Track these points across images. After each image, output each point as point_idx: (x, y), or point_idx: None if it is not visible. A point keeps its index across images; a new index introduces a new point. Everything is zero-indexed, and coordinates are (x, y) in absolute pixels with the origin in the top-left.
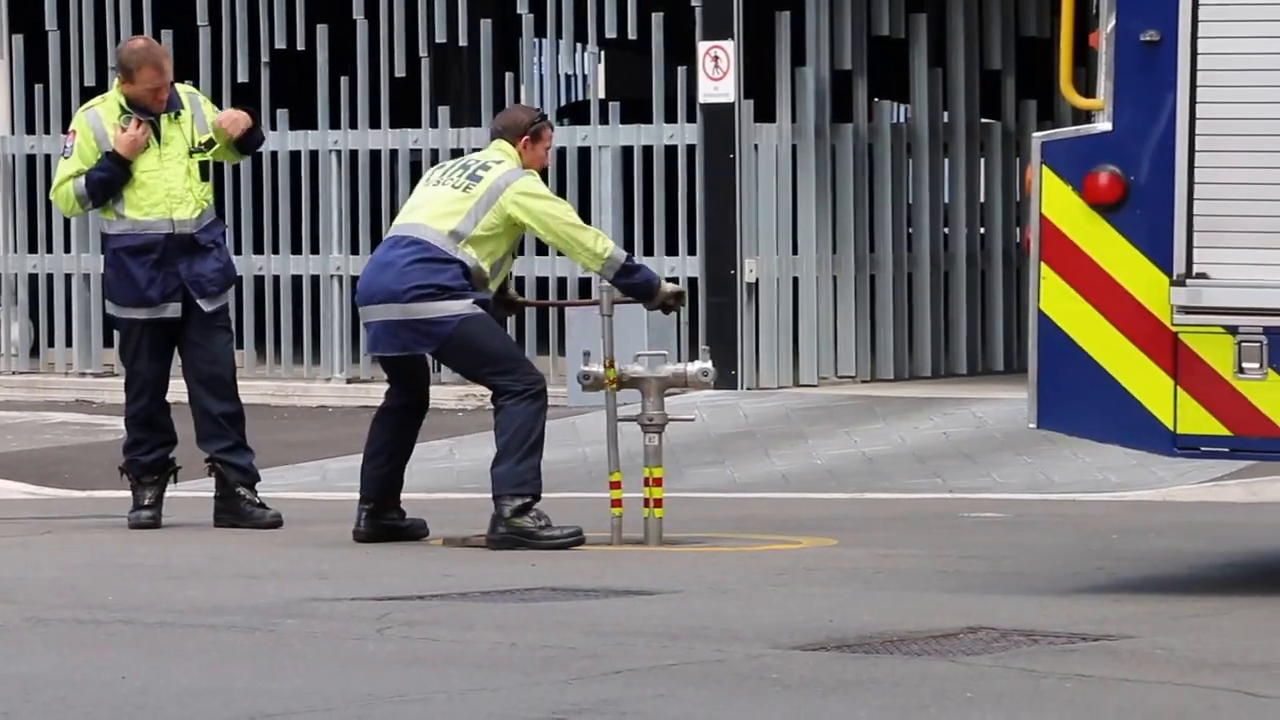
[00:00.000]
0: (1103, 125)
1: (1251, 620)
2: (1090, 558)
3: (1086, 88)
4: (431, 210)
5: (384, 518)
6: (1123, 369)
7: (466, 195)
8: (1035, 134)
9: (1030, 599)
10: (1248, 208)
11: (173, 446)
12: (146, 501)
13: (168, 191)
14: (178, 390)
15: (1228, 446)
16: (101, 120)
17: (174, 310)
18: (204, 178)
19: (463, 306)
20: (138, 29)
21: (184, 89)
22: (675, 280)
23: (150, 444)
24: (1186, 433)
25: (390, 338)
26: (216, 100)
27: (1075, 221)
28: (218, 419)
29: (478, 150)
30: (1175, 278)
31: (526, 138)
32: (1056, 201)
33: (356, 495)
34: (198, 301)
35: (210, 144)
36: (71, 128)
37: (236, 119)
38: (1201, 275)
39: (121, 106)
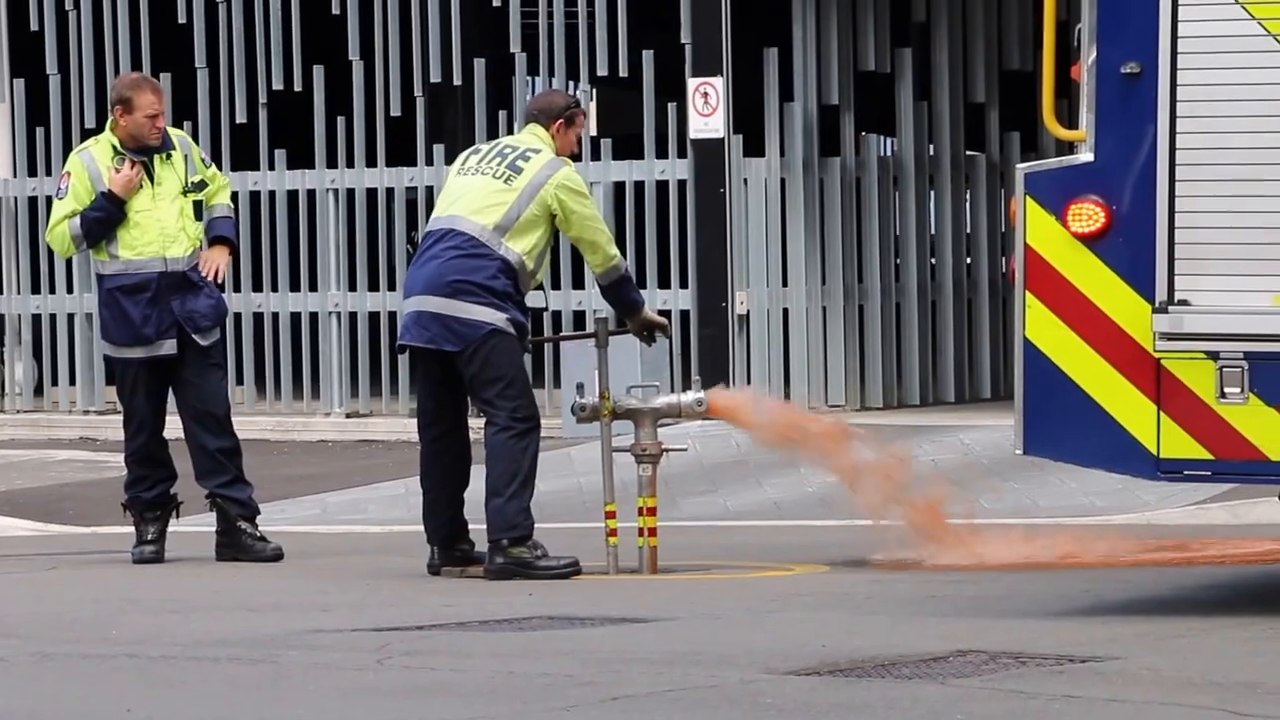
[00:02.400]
0: (1085, 156)
1: (1235, 640)
2: (1076, 580)
3: (1069, 119)
4: (471, 202)
5: (455, 550)
6: (1107, 395)
7: (508, 188)
8: (1019, 165)
9: (1018, 621)
10: (1228, 235)
11: (173, 482)
12: (149, 537)
13: (161, 231)
14: (175, 427)
15: (1210, 470)
16: (96, 161)
17: (170, 347)
18: (197, 217)
19: (498, 319)
20: (137, 71)
21: (175, 132)
22: (667, 314)
23: (151, 480)
24: (1170, 457)
25: (419, 329)
26: (216, 139)
27: (1059, 251)
28: (214, 454)
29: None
30: (1157, 304)
31: (561, 121)
32: (1040, 231)
33: (356, 529)
34: (193, 337)
35: (202, 185)
36: (65, 169)
37: (218, 266)
38: (1183, 302)
39: (115, 148)
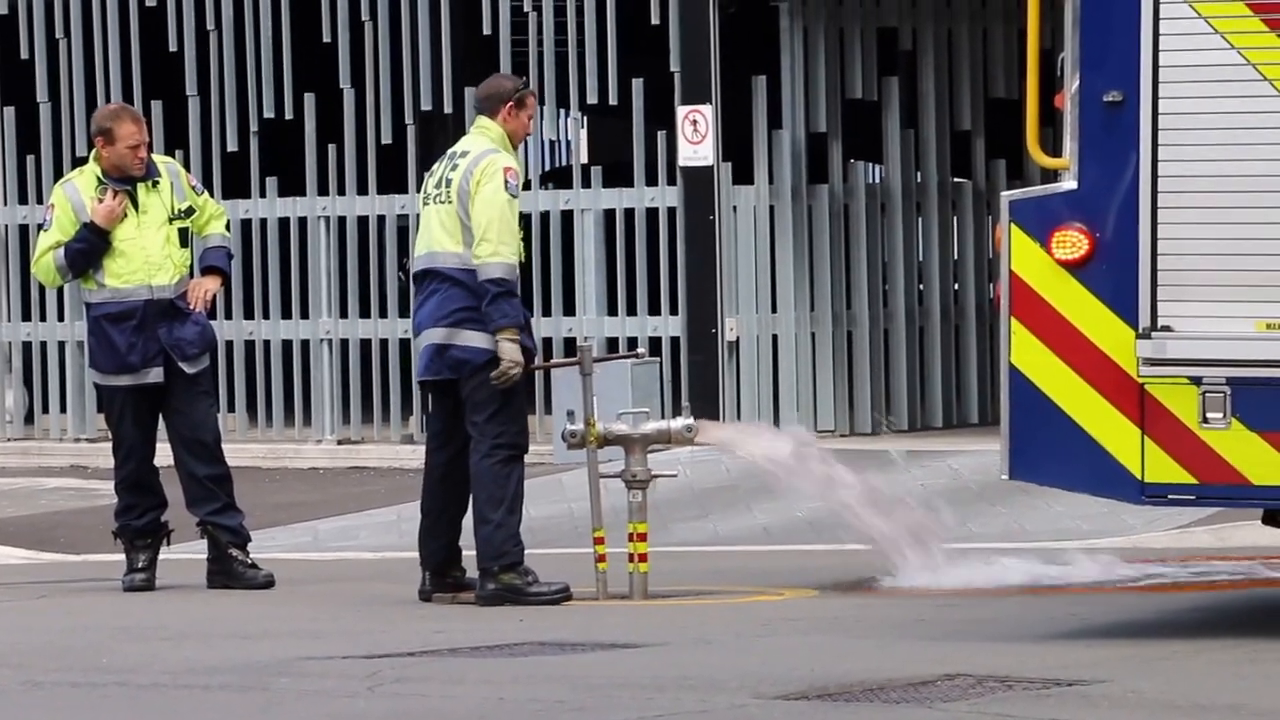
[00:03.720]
0: (1068, 184)
1: (1220, 663)
2: (1063, 603)
3: (1054, 147)
4: (436, 234)
5: (447, 577)
6: (1091, 420)
7: (449, 206)
8: (1004, 193)
9: (1005, 645)
10: (1210, 262)
11: (164, 510)
12: (140, 565)
13: (146, 259)
14: (165, 454)
15: (1194, 494)
16: (79, 192)
17: (156, 375)
18: (183, 244)
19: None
20: (128, 100)
21: (162, 159)
22: (657, 341)
23: (142, 508)
24: (1154, 481)
25: (427, 361)
26: (207, 167)
27: (1043, 277)
28: (204, 482)
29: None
30: (1141, 331)
31: (511, 104)
32: (1025, 258)
33: (348, 556)
34: (180, 364)
35: (189, 211)
36: (50, 201)
37: (207, 291)
38: (1166, 328)
39: (98, 178)
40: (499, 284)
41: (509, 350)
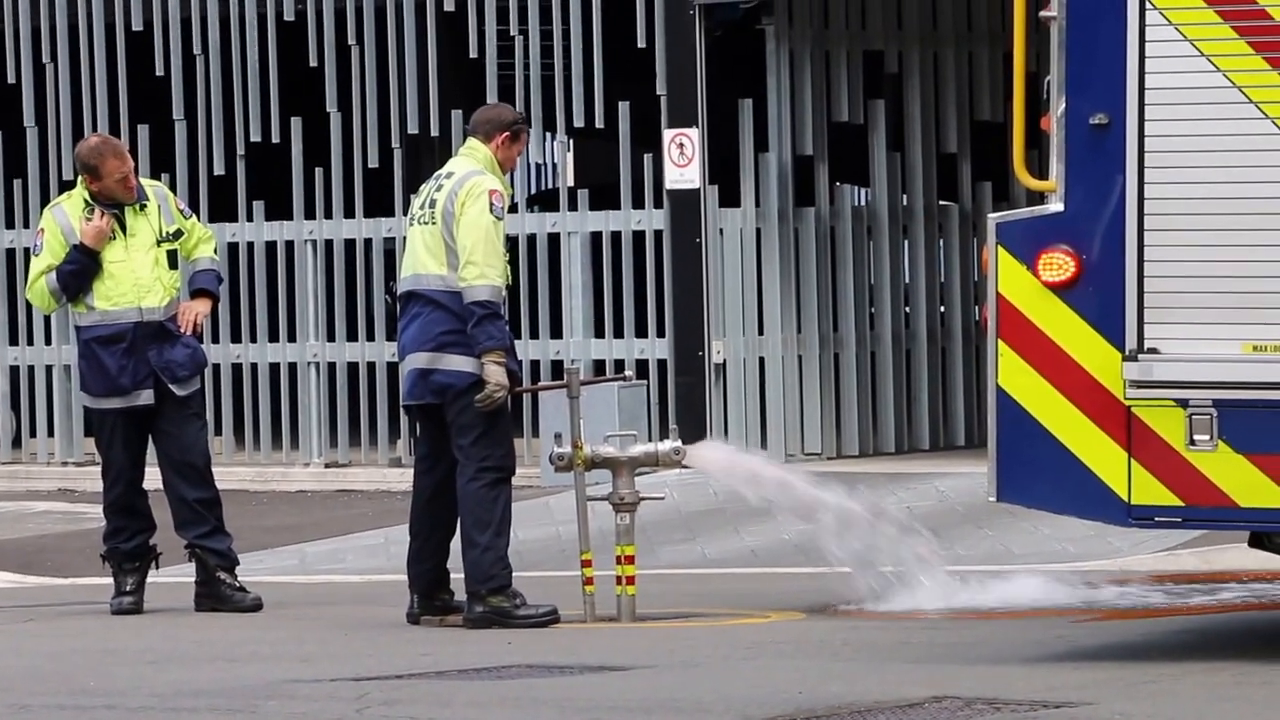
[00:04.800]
0: (1055, 206)
1: (1206, 685)
2: (1050, 626)
3: (1040, 170)
4: (422, 256)
5: (435, 599)
6: (1078, 442)
7: (434, 227)
8: (990, 215)
9: (993, 667)
10: (1196, 284)
11: (152, 533)
12: (128, 588)
13: (135, 281)
14: (154, 477)
15: (1180, 516)
16: (67, 215)
17: (147, 397)
18: (172, 266)
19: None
20: (114, 124)
21: (150, 183)
22: (645, 362)
23: (130, 531)
24: (1140, 503)
25: (411, 385)
26: (194, 191)
27: (1030, 300)
28: (193, 505)
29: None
30: (1127, 353)
31: (506, 135)
32: (1012, 281)
33: (335, 579)
34: (170, 387)
35: (178, 234)
36: (40, 226)
37: (198, 314)
38: (1153, 350)
39: (86, 201)
40: (484, 306)
41: (494, 373)
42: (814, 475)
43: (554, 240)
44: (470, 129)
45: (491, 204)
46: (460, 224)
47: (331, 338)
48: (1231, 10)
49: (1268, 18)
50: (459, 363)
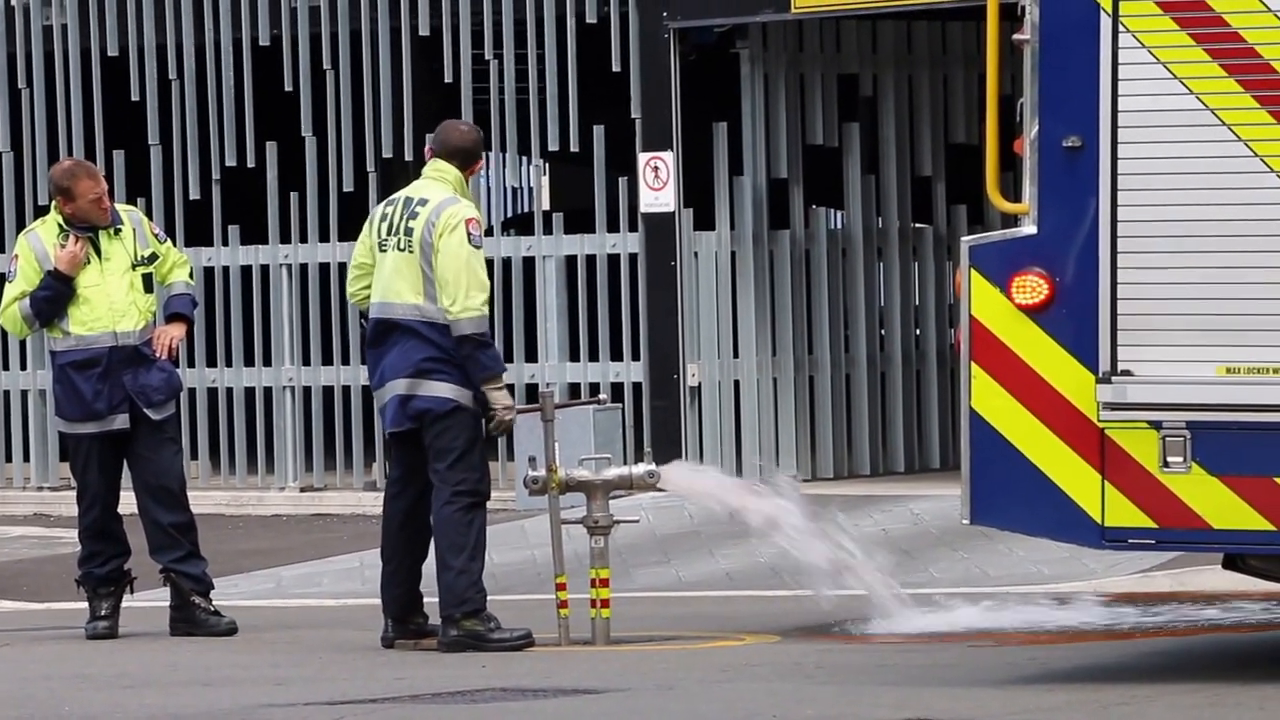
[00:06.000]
0: (1028, 229)
1: (1179, 706)
2: (1024, 648)
3: (1014, 193)
4: (396, 284)
5: (410, 623)
6: (1052, 465)
7: (411, 255)
8: (963, 238)
9: (967, 690)
10: (1169, 306)
11: (127, 557)
12: (103, 612)
13: (110, 306)
14: (129, 502)
15: (1154, 538)
16: (42, 241)
17: (122, 422)
18: (147, 290)
19: (464, 395)
20: (90, 149)
21: (124, 208)
22: (620, 385)
23: (105, 555)
24: (1114, 525)
25: (391, 413)
26: (170, 216)
27: (1003, 322)
28: (168, 530)
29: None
30: (1101, 375)
31: (480, 162)
32: (985, 303)
33: (310, 603)
34: (145, 411)
35: (152, 258)
36: (14, 252)
37: (173, 339)
38: (1126, 372)
39: (60, 226)
40: (474, 339)
41: (499, 398)
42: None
43: (529, 264)
44: (437, 152)
45: (470, 234)
46: (439, 255)
47: (307, 362)
48: (1204, 34)
49: (1241, 40)
50: (438, 388)
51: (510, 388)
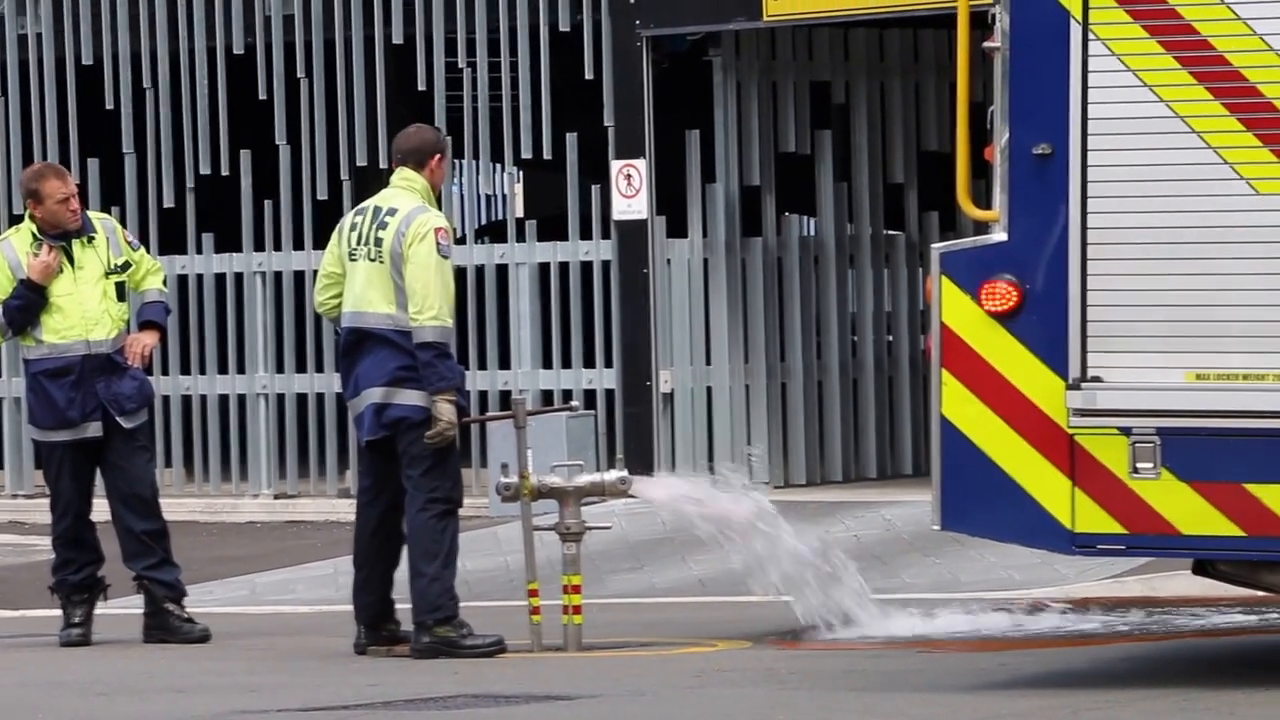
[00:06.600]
0: (998, 236)
1: (1150, 712)
2: (995, 654)
3: (985, 200)
4: (367, 294)
5: (382, 630)
6: (1022, 471)
7: (382, 265)
8: (934, 245)
9: (938, 695)
10: (1140, 313)
11: (100, 565)
12: (76, 620)
13: (83, 314)
14: (102, 509)
15: (1123, 544)
16: (15, 250)
17: (95, 429)
18: (120, 298)
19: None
20: (64, 157)
21: (97, 215)
22: (593, 392)
23: (78, 563)
24: (1084, 531)
25: (371, 422)
26: (144, 223)
27: (974, 329)
28: (141, 537)
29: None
30: (1071, 381)
31: (438, 156)
32: (956, 310)
33: (284, 609)
34: (118, 419)
35: (125, 266)
36: None
37: (145, 347)
38: (1096, 379)
39: (34, 235)
40: (435, 347)
41: (446, 411)
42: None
43: (502, 271)
44: (399, 159)
45: (439, 244)
46: (408, 265)
47: (281, 369)
48: (1174, 41)
49: (1210, 48)
50: (413, 397)
51: (470, 395)
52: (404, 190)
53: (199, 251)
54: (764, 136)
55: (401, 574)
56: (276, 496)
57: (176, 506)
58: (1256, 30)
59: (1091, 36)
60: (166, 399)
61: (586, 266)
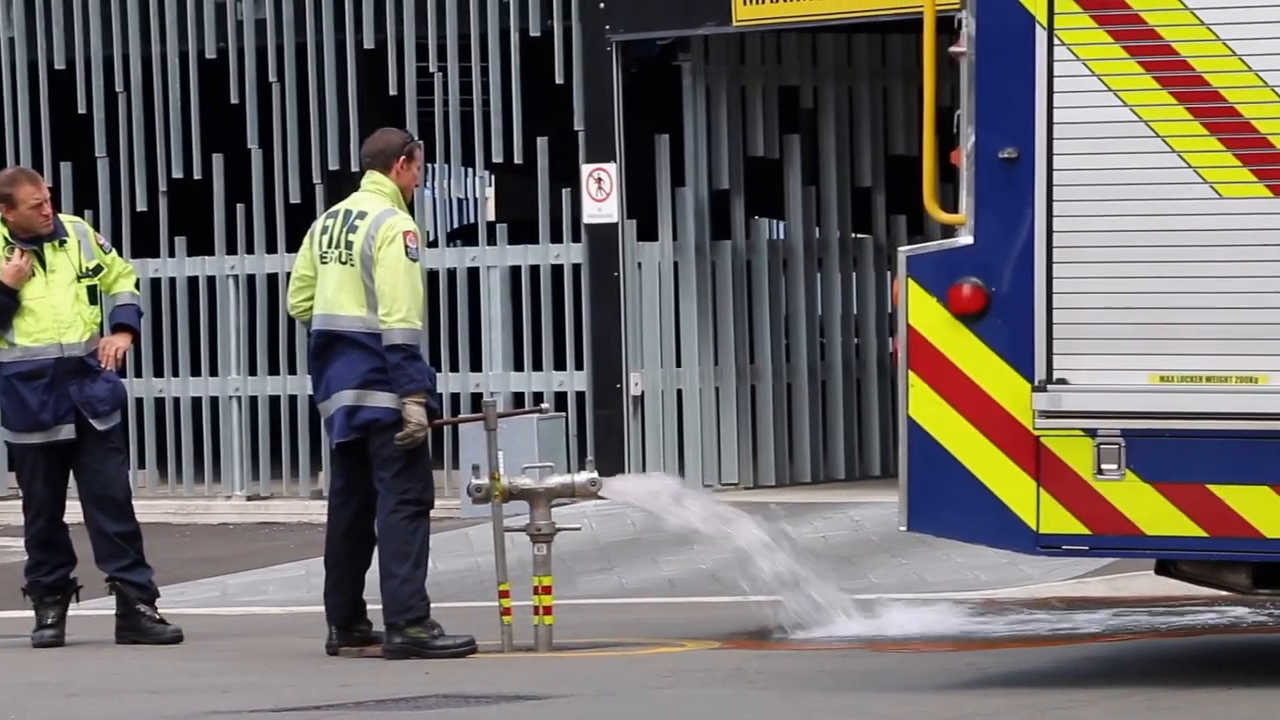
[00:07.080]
0: (965, 239)
1: (1116, 711)
2: (961, 653)
3: (952, 204)
4: (338, 297)
5: (354, 631)
6: (988, 472)
7: (352, 269)
8: (900, 248)
9: (905, 695)
10: (1104, 315)
11: (73, 566)
12: (49, 621)
13: (55, 317)
14: (75, 511)
15: (1087, 545)
16: None
17: (68, 432)
18: (93, 301)
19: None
20: (37, 161)
21: (69, 219)
22: (564, 395)
23: (51, 565)
24: (1048, 532)
25: (343, 424)
26: (116, 227)
27: (940, 331)
28: (114, 539)
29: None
30: (1036, 383)
31: (403, 159)
32: (922, 312)
33: (256, 610)
34: (91, 422)
35: (97, 270)
36: None
37: (118, 349)
38: (1061, 381)
39: (5, 239)
40: (404, 350)
41: (415, 413)
42: (736, 504)
43: (473, 274)
44: (367, 163)
45: (407, 246)
46: (378, 268)
47: (253, 371)
48: (1138, 46)
49: (1173, 53)
50: (384, 399)
51: (442, 397)
52: (374, 194)
53: (171, 255)
54: (733, 140)
55: (373, 575)
56: (249, 498)
57: (149, 508)
58: (1221, 36)
59: (1056, 42)
60: (140, 401)
61: (557, 270)
